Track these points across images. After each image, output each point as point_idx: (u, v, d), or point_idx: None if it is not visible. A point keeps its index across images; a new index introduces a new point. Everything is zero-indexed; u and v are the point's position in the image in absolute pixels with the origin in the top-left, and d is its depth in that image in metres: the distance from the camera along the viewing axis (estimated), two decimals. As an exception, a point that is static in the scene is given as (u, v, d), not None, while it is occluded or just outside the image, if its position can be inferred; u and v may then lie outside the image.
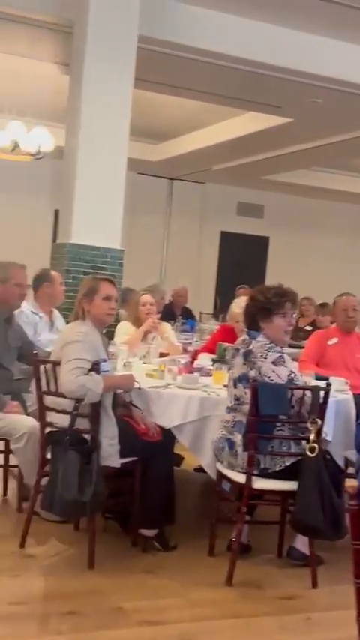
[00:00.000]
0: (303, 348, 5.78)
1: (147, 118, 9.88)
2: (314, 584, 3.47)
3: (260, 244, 14.42)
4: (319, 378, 4.41)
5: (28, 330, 4.74)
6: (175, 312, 9.47)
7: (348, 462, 4.16)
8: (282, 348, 3.64)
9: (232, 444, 3.56)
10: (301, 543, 3.69)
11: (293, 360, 4.92)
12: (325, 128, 9.58)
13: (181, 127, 11.13)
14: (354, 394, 4.41)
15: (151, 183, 13.15)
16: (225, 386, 3.92)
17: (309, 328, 8.30)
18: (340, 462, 3.99)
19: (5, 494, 4.42)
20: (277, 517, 3.84)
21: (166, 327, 5.61)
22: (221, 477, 3.71)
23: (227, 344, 4.68)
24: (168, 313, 8.68)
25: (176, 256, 13.51)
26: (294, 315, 3.80)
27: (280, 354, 3.54)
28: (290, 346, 5.41)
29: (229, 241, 14.21)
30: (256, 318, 3.65)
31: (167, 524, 3.75)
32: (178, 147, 11.77)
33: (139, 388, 3.82)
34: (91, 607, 3.06)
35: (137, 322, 5.37)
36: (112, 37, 6.28)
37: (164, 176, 13.51)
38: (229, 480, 3.66)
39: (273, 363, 3.50)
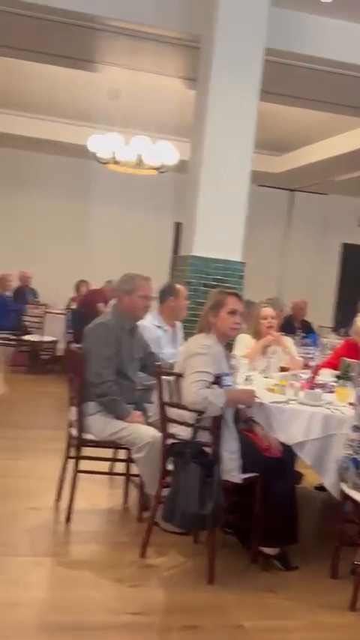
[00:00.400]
0: None
1: (269, 130, 9.83)
2: None
3: (383, 257, 14.00)
4: None
5: (151, 344, 4.78)
6: (295, 325, 9.35)
7: None
8: None
9: (357, 464, 3.44)
10: None
11: None
12: None
13: (303, 138, 11.01)
14: None
15: (271, 194, 13.07)
16: (350, 404, 3.81)
17: None
18: None
19: (126, 502, 4.48)
20: None
21: (288, 340, 5.53)
22: (345, 497, 3.59)
23: (351, 360, 4.56)
24: (287, 326, 8.57)
25: (296, 268, 13.35)
26: None
27: None
28: None
29: (350, 253, 13.90)
30: (385, 334, 3.53)
31: (290, 544, 3.67)
32: (300, 158, 11.65)
33: (261, 404, 3.77)
34: (211, 623, 3.04)
35: (258, 335, 5.32)
36: (239, 51, 6.29)
37: (285, 188, 13.40)
38: (353, 501, 3.54)
39: None
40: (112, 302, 5.01)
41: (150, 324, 4.89)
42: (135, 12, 6.55)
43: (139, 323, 4.54)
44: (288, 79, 7.45)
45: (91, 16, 6.59)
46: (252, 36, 6.31)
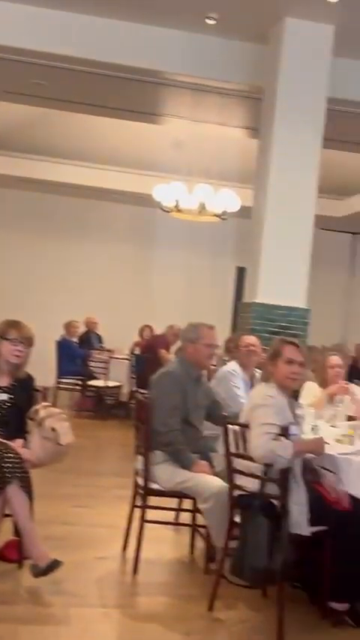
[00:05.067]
0: None
1: (332, 174, 9.87)
2: None
3: None
4: None
5: (240, 383, 4.93)
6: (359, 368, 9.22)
7: None
8: None
9: None
10: None
11: None
12: None
13: (366, 183, 11.00)
14: None
15: (334, 238, 13.04)
16: None
17: None
18: None
19: (192, 553, 4.46)
20: None
21: (355, 388, 5.45)
22: None
23: None
24: (353, 371, 8.46)
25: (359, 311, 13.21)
26: None
27: None
28: None
29: None
30: None
31: (360, 600, 3.58)
32: (362, 202, 11.63)
33: (329, 455, 3.73)
34: None
35: (324, 384, 5.26)
36: (301, 100, 6.39)
37: (348, 231, 13.35)
38: None
39: None
40: (175, 347, 5.11)
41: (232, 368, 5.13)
42: (200, 66, 6.74)
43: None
44: (350, 127, 7.49)
45: (157, 72, 6.81)
46: (314, 86, 6.41)
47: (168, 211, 9.17)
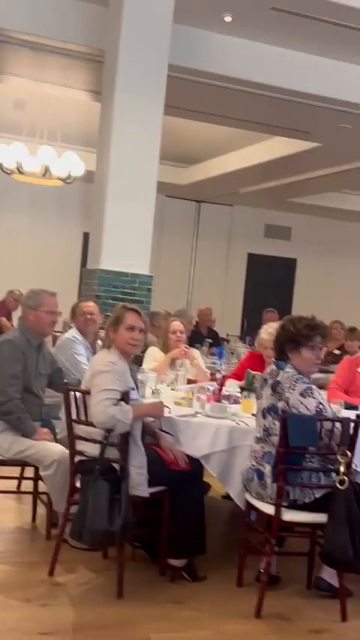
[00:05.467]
0: (331, 372, 5.76)
1: (176, 143, 10.00)
2: (343, 618, 3.44)
3: (287, 266, 14.42)
4: (348, 407, 4.39)
5: (81, 350, 4.92)
6: (202, 333, 9.50)
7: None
8: (310, 378, 3.64)
9: (260, 475, 3.56)
10: (329, 575, 3.66)
11: (322, 385, 4.94)
12: (355, 152, 9.59)
13: (210, 151, 11.22)
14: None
15: (179, 206, 13.25)
16: (253, 414, 3.93)
17: (337, 352, 8.26)
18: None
19: (34, 520, 4.44)
20: (306, 548, 3.82)
21: (195, 353, 5.63)
22: (250, 507, 3.70)
23: (255, 372, 4.69)
24: (195, 335, 8.71)
25: (203, 279, 13.56)
26: (323, 349, 3.79)
27: (308, 386, 3.54)
28: (319, 371, 5.41)
29: (256, 263, 14.25)
30: (284, 348, 3.66)
31: (197, 555, 3.74)
32: (206, 170, 11.87)
33: (169, 412, 3.85)
34: (120, 638, 3.06)
35: (166, 349, 5.39)
36: (143, 66, 6.37)
37: (192, 199, 13.60)
38: (257, 510, 3.65)
39: (301, 394, 3.50)
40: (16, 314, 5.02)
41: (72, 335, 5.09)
42: (40, 25, 6.53)
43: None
44: (192, 95, 7.59)
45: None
46: (155, 51, 6.40)
47: (9, 173, 8.90)
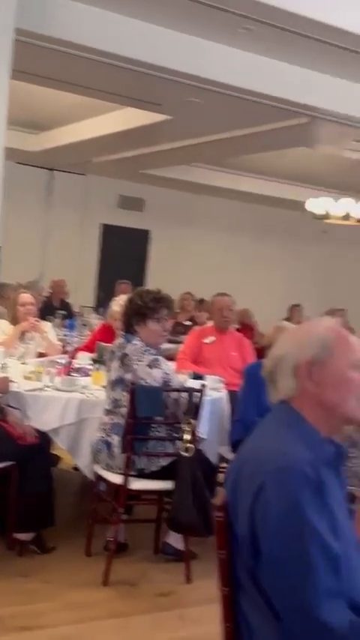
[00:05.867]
0: (180, 342, 5.92)
1: (26, 109, 9.72)
2: (188, 580, 3.59)
3: (141, 237, 14.50)
4: (195, 377, 4.54)
5: None
6: (54, 305, 9.39)
7: (222, 458, 4.33)
8: (159, 350, 3.72)
9: (109, 446, 3.61)
10: (174, 539, 3.80)
11: (172, 356, 5.07)
12: (204, 127, 9.75)
13: (61, 118, 10.99)
14: (229, 391, 4.56)
15: (30, 173, 12.92)
16: (104, 387, 3.96)
17: (188, 323, 8.48)
18: (214, 458, 4.15)
19: None
20: (153, 515, 3.94)
21: (46, 325, 5.56)
22: (98, 478, 3.75)
23: (106, 344, 4.72)
24: (46, 307, 8.60)
25: (57, 249, 13.35)
26: (169, 321, 3.89)
27: (154, 357, 3.62)
28: (169, 341, 5.54)
29: (110, 234, 14.21)
30: (131, 321, 3.71)
31: (46, 527, 3.75)
32: (58, 138, 11.62)
33: (16, 392, 3.80)
34: (-35, 616, 3.03)
35: (15, 321, 5.28)
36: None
37: (44, 166, 13.31)
38: (105, 480, 3.71)
39: (148, 365, 3.57)
40: None
41: None
42: None
43: None
44: (42, 61, 7.38)
45: None
46: (1, 14, 6.15)
47: None
